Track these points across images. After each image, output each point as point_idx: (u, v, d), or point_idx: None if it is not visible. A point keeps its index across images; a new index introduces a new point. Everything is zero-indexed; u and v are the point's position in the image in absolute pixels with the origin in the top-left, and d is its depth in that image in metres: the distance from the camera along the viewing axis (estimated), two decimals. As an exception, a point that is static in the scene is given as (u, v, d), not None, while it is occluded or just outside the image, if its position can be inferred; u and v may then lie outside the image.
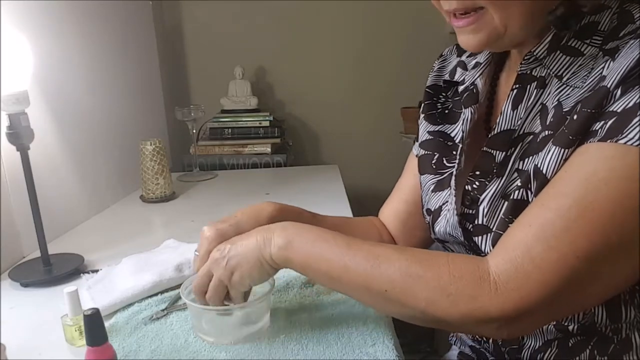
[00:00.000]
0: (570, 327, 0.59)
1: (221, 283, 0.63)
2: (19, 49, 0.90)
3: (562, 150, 0.53)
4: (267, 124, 1.79)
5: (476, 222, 0.63)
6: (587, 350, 0.60)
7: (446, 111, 0.77)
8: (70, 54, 1.21)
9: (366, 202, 1.70)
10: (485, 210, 0.62)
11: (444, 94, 0.78)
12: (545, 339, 0.62)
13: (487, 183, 0.63)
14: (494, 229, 0.60)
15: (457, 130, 0.73)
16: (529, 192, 0.57)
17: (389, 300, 0.56)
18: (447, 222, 0.68)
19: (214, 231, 0.65)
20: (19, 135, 0.86)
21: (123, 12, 1.50)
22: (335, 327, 0.68)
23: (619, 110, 0.49)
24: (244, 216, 0.68)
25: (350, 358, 0.62)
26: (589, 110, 0.51)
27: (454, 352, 0.81)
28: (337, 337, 0.66)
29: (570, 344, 0.61)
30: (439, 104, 0.78)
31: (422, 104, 0.79)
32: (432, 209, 0.72)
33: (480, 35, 0.59)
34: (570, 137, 0.53)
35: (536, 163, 0.56)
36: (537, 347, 0.63)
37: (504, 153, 0.62)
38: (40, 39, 1.09)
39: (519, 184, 0.58)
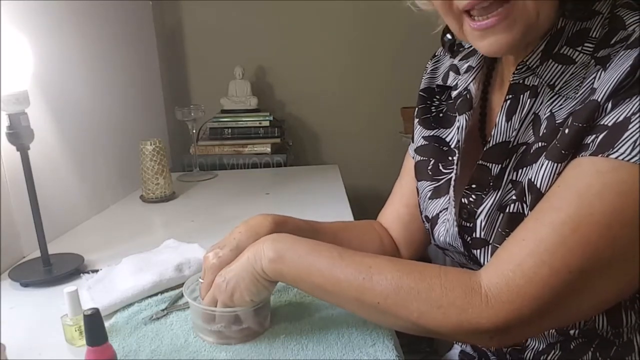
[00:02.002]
0: (572, 332, 0.59)
1: (225, 306, 0.64)
2: (19, 49, 0.90)
3: (555, 164, 0.53)
4: (267, 124, 1.79)
5: (474, 235, 0.63)
6: (590, 353, 0.60)
7: (440, 115, 0.76)
8: (70, 54, 1.21)
9: (366, 202, 1.70)
10: (483, 224, 0.61)
11: (437, 97, 0.77)
12: (548, 341, 0.62)
13: (484, 196, 0.63)
14: (491, 242, 0.60)
15: (452, 135, 0.73)
16: (525, 205, 0.57)
17: (382, 312, 0.56)
18: (447, 232, 0.68)
19: (217, 260, 0.66)
20: (19, 135, 0.86)
21: (123, 12, 1.50)
22: (335, 327, 0.68)
23: (609, 124, 0.49)
24: (242, 236, 0.67)
25: (350, 358, 0.62)
26: (580, 125, 0.51)
27: (456, 350, 0.81)
28: (337, 337, 0.66)
29: (572, 347, 0.61)
30: (433, 108, 0.77)
31: (416, 108, 0.79)
32: (430, 216, 0.72)
33: (514, 30, 0.54)
34: (563, 152, 0.53)
35: (530, 177, 0.56)
36: (540, 348, 0.63)
37: (499, 166, 0.62)
38: (40, 39, 1.09)
39: (514, 197, 0.58)
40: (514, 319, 0.50)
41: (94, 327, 0.54)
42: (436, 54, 0.81)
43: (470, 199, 0.64)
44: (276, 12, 1.94)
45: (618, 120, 0.49)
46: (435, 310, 0.53)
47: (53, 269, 0.91)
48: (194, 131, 1.60)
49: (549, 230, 0.50)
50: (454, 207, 0.66)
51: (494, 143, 0.62)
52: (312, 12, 1.95)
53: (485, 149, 0.63)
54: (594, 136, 0.50)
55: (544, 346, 0.63)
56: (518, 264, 0.51)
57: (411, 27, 1.92)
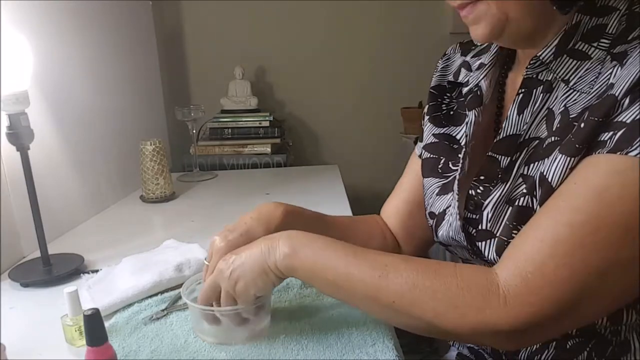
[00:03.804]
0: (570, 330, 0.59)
1: (228, 294, 0.63)
2: (19, 49, 0.90)
3: (569, 159, 0.53)
4: (267, 124, 1.79)
5: (480, 227, 0.62)
6: (585, 352, 0.60)
7: (451, 112, 0.76)
8: (70, 54, 1.21)
9: (366, 202, 1.69)
10: (490, 215, 0.61)
11: (448, 95, 0.77)
12: None
13: (492, 188, 0.62)
14: (497, 235, 0.60)
15: (462, 133, 0.73)
16: (534, 199, 0.57)
17: (397, 311, 0.56)
18: (449, 226, 0.68)
19: (225, 243, 0.65)
20: (19, 135, 0.86)
21: (123, 12, 1.50)
22: (335, 327, 0.68)
23: (627, 121, 0.49)
24: (254, 222, 0.67)
25: (350, 358, 0.62)
26: (596, 119, 0.51)
27: (453, 353, 0.81)
28: (337, 337, 0.66)
29: (568, 346, 0.61)
30: (443, 105, 0.77)
31: (427, 105, 0.78)
32: (436, 213, 0.72)
33: (482, 25, 0.58)
34: (577, 146, 0.52)
35: (542, 170, 0.56)
36: (534, 348, 0.63)
37: (509, 158, 0.62)
38: (40, 39, 1.09)
39: (524, 191, 0.58)
40: (533, 321, 0.50)
41: (94, 327, 0.54)
42: (446, 52, 0.81)
43: (478, 190, 0.64)
44: (276, 12, 1.94)
45: (637, 117, 0.48)
46: (451, 310, 0.52)
47: (53, 269, 0.91)
48: (194, 131, 1.60)
49: (568, 232, 0.50)
50: (457, 201, 0.66)
51: (504, 135, 0.63)
52: (313, 12, 1.95)
53: (495, 140, 0.63)
54: (611, 133, 0.50)
55: (539, 345, 0.63)
56: (538, 265, 0.50)
57: (412, 28, 1.93)
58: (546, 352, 0.62)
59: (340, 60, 2.00)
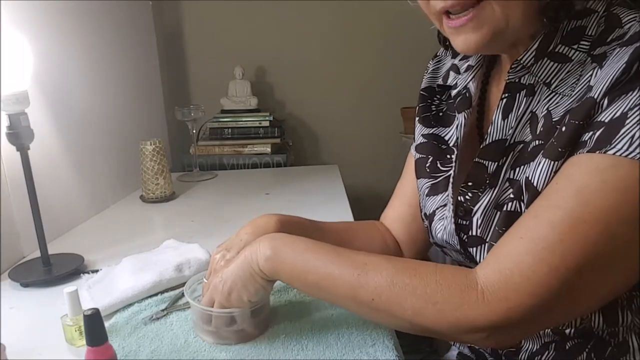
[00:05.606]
0: (567, 331, 0.59)
1: (222, 306, 0.64)
2: (19, 49, 0.90)
3: (552, 162, 0.53)
4: (267, 124, 1.79)
5: (470, 233, 0.63)
6: (584, 353, 0.60)
7: (440, 114, 0.76)
8: (70, 54, 1.21)
9: (366, 202, 1.70)
10: (479, 221, 0.61)
11: (438, 97, 0.78)
12: (543, 341, 0.62)
13: (480, 194, 0.63)
14: (488, 240, 0.60)
15: (451, 134, 0.73)
16: (522, 204, 0.57)
17: (376, 309, 0.56)
18: (444, 230, 0.68)
19: (224, 262, 0.66)
20: (19, 135, 0.86)
21: (123, 12, 1.50)
22: (335, 327, 0.68)
23: (606, 121, 0.49)
24: (249, 237, 0.67)
25: (350, 358, 0.62)
26: (576, 122, 0.51)
27: (454, 352, 0.81)
28: (337, 337, 0.66)
29: (567, 347, 0.61)
30: (433, 107, 0.77)
31: (417, 107, 0.79)
32: (428, 214, 0.72)
33: (482, 31, 0.56)
34: (560, 150, 0.53)
35: (527, 175, 0.56)
36: (534, 349, 0.63)
37: (496, 163, 0.62)
38: (40, 39, 1.09)
39: (512, 196, 0.58)
40: (511, 317, 0.50)
41: (94, 327, 0.54)
42: (437, 54, 0.81)
43: (467, 196, 0.64)
44: (276, 12, 1.94)
45: (615, 116, 0.49)
46: (430, 307, 0.53)
47: (53, 269, 0.91)
48: (194, 131, 1.60)
49: (547, 229, 0.50)
50: (452, 205, 0.66)
51: (490, 141, 0.63)
52: (313, 12, 1.95)
53: (481, 146, 0.63)
54: (591, 133, 0.50)
55: (538, 347, 0.63)
56: (516, 262, 0.50)
57: (411, 28, 1.92)
58: (546, 353, 0.62)
59: (340, 60, 2.00)
